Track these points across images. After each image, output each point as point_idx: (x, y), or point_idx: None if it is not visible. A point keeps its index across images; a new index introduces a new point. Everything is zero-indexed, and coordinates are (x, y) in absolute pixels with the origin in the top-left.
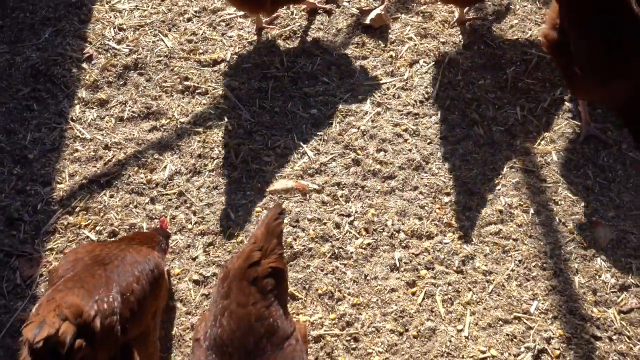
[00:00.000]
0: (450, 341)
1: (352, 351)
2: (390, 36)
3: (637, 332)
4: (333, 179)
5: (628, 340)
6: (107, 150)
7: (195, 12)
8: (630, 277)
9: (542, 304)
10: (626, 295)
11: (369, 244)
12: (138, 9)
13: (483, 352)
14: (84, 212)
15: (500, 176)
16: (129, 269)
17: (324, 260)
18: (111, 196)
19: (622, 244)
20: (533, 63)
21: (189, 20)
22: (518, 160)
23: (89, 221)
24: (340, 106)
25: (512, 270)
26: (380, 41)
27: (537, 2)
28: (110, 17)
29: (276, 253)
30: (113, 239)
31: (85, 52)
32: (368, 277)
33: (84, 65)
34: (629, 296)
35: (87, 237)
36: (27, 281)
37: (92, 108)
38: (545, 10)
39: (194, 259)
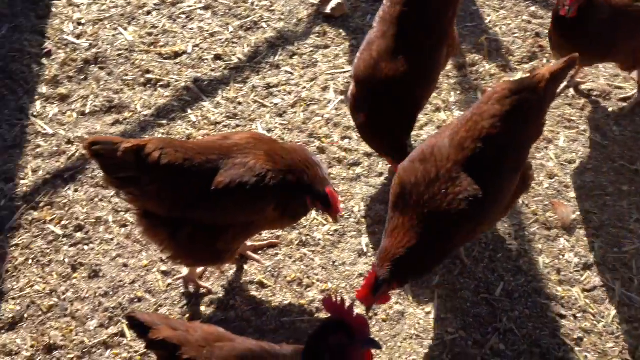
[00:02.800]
0: (418, 323)
1: None
2: (351, 24)
3: (601, 310)
4: None
5: (592, 318)
6: (70, 145)
7: (155, 5)
8: (592, 256)
9: (508, 285)
10: (589, 274)
11: (336, 231)
12: (96, 3)
13: (451, 334)
14: (49, 207)
15: None
16: None
17: (292, 248)
18: (76, 190)
19: (584, 224)
20: None
21: (149, 13)
22: None
23: (54, 216)
24: (304, 95)
25: (478, 253)
26: (341, 30)
27: None
28: (68, 11)
29: None
30: None
31: (44, 48)
32: (336, 263)
33: (44, 60)
34: (592, 275)
35: (52, 231)
36: None
37: (53, 103)
38: None
39: None
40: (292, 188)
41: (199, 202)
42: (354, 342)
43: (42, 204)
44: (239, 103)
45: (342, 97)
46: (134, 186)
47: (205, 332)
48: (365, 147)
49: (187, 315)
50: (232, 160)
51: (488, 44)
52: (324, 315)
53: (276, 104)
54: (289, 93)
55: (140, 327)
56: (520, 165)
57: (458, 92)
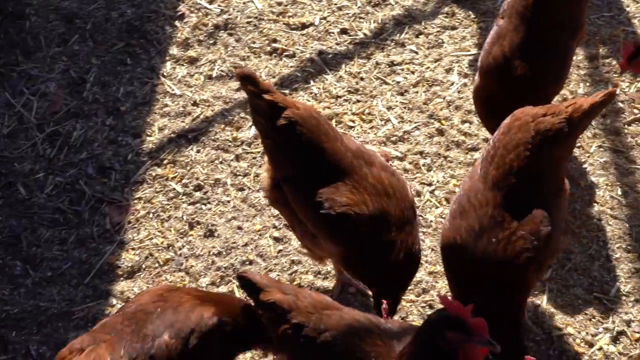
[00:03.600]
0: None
1: (425, 317)
2: (480, 7)
3: None
4: (416, 148)
5: None
6: (195, 107)
7: None
8: None
9: (624, 286)
10: None
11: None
12: None
13: (559, 330)
14: (172, 164)
15: (588, 155)
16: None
17: None
18: (198, 151)
19: None
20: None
21: None
22: (607, 140)
23: (176, 174)
24: (427, 75)
25: (595, 251)
26: (470, 12)
27: None
28: None
29: None
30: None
31: (178, 11)
32: None
33: (176, 23)
34: None
35: (174, 188)
36: (116, 227)
37: (183, 65)
38: None
39: (275, 216)
40: None
41: None
42: (471, 340)
43: (165, 162)
44: (361, 78)
45: (466, 80)
46: None
47: (314, 300)
48: (485, 133)
49: (296, 282)
50: None
51: (624, 36)
52: (429, 297)
53: (398, 82)
54: (412, 72)
55: (251, 288)
56: (560, 187)
57: (587, 84)
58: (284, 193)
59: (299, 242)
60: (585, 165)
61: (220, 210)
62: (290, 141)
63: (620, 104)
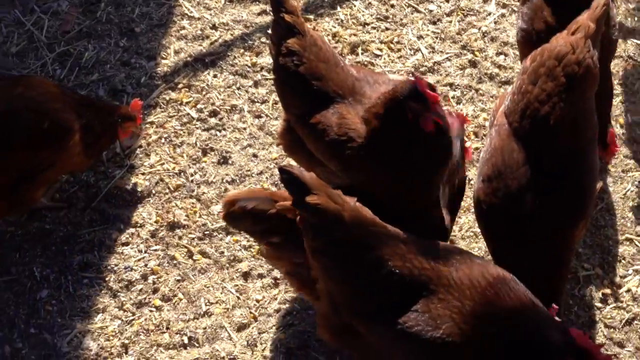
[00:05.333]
0: None
1: None
2: None
3: None
4: (446, 79)
5: None
6: (214, 30)
7: None
8: None
9: None
10: None
11: (476, 149)
12: None
13: (587, 270)
14: (187, 89)
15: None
16: None
17: None
18: (214, 76)
19: None
20: None
21: None
22: None
23: (191, 99)
24: (462, 4)
25: (630, 191)
26: None
27: None
28: None
29: None
30: None
31: None
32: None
33: None
34: None
35: (188, 113)
36: (126, 151)
37: None
38: None
39: None
40: None
41: None
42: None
43: (180, 86)
44: (392, 5)
45: (504, 11)
46: None
47: (360, 214)
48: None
49: None
50: None
51: None
52: None
53: (431, 11)
54: (447, 0)
55: (298, 186)
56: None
57: None
58: (297, 137)
59: None
60: (626, 104)
61: (235, 137)
62: (291, 75)
63: None
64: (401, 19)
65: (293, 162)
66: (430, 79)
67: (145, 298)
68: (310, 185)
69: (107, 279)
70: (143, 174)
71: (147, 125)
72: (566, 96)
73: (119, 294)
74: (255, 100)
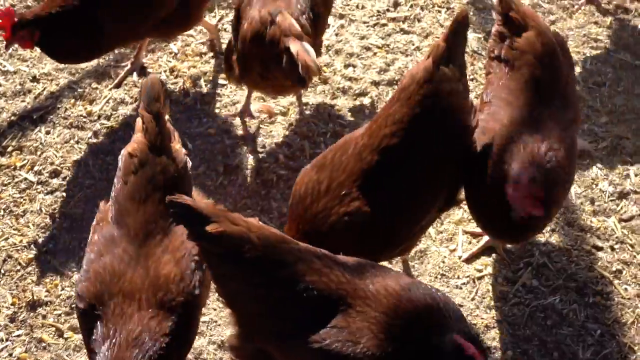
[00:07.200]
0: (443, 262)
1: None
2: None
3: None
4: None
5: (631, 249)
6: (35, 83)
7: None
8: (628, 184)
9: None
10: (625, 202)
11: None
12: None
13: (480, 271)
14: (18, 151)
15: None
16: None
17: None
18: (47, 132)
19: (617, 150)
20: None
21: None
22: None
23: (25, 161)
24: None
25: None
26: None
27: None
28: None
29: None
30: None
31: None
32: None
33: None
34: (629, 203)
35: (25, 178)
36: None
37: None
38: None
39: None
40: None
41: None
42: None
43: (10, 149)
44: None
45: (342, 22)
46: None
47: (268, 232)
48: (371, 75)
49: None
50: None
51: None
52: None
53: None
54: None
55: (192, 217)
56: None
57: None
58: None
59: None
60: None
61: (85, 196)
62: None
63: None
64: None
65: None
66: (283, 102)
67: None
68: (208, 214)
69: None
70: None
71: None
72: None
73: None
74: (99, 151)
